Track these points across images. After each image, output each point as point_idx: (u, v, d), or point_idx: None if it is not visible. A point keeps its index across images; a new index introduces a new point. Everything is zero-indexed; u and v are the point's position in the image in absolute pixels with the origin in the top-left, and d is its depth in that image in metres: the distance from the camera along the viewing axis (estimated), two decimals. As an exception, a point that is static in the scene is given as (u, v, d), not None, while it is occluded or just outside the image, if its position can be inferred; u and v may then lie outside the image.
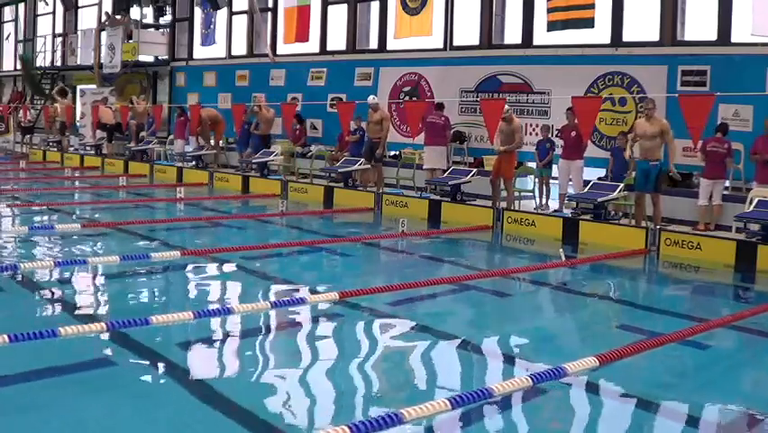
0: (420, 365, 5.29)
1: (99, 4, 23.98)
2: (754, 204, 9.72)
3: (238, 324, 5.82)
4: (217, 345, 5.44)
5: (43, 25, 28.15)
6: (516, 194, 12.67)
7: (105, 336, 5.13)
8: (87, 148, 21.28)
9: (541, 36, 13.88)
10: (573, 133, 11.64)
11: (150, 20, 23.11)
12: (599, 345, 5.58)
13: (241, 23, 19.99)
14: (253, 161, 16.06)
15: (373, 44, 17.08)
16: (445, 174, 12.90)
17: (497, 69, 14.11)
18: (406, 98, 15.11)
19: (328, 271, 8.62)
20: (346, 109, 14.68)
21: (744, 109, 11.01)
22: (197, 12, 20.90)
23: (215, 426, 3.96)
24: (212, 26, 20.22)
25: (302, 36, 17.70)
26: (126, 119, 19.98)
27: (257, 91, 18.44)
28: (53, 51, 27.07)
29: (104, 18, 23.28)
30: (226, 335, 5.68)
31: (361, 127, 14.76)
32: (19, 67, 28.07)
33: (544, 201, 12.58)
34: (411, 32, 15.59)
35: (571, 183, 11.81)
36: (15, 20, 30.06)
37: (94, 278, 7.30)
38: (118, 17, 22.67)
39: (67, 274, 7.22)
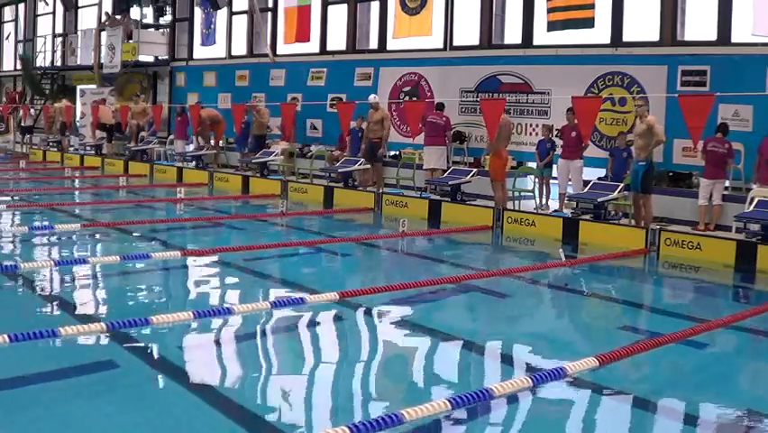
0: (420, 365, 5.29)
1: (99, 4, 23.98)
2: (754, 204, 9.73)
3: (238, 324, 5.81)
4: (217, 345, 5.44)
5: (43, 25, 28.14)
6: (516, 194, 12.67)
7: (105, 336, 5.13)
8: (87, 148, 21.27)
9: (541, 36, 13.87)
10: (573, 133, 11.66)
11: (150, 20, 23.11)
12: (599, 345, 5.59)
13: (241, 23, 19.98)
14: (253, 160, 16.07)
15: (373, 44, 17.07)
16: (445, 174, 12.90)
17: (497, 69, 14.10)
18: (406, 98, 15.11)
19: (328, 271, 8.62)
20: (346, 109, 14.68)
21: (744, 109, 11.00)
22: (197, 12, 20.89)
23: (215, 426, 3.96)
24: (212, 26, 20.21)
25: (302, 36, 17.70)
26: (126, 119, 19.98)
27: (257, 91, 18.46)
28: (53, 51, 27.06)
29: (104, 18, 23.28)
30: (226, 335, 5.68)
31: (361, 128, 14.74)
32: (19, 67, 28.07)
33: (544, 201, 12.58)
34: (410, 31, 15.56)
35: (570, 183, 11.82)
36: (15, 20, 30.06)
37: (94, 278, 7.30)
38: (118, 17, 22.67)
39: (67, 274, 7.21)
